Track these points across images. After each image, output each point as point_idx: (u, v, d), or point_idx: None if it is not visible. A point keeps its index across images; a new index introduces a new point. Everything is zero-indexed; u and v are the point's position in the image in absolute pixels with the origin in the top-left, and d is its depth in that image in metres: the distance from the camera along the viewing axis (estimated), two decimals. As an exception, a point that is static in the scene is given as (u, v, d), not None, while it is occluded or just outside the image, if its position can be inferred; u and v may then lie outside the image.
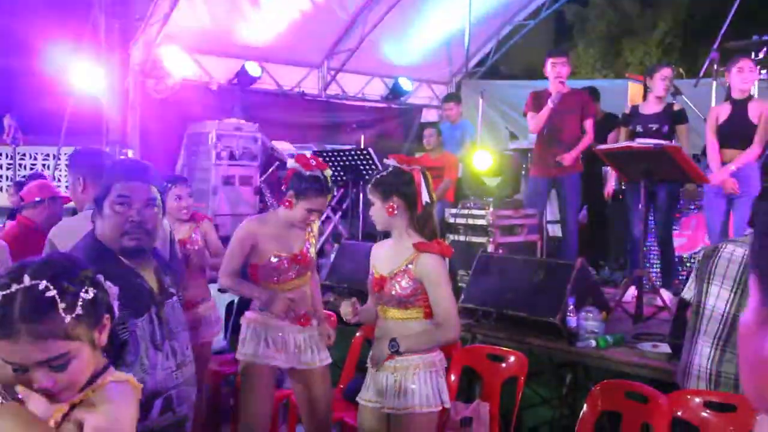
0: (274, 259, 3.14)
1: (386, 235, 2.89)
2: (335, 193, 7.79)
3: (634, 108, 5.18)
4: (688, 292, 3.03)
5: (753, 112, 4.51)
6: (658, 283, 4.98)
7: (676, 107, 4.99)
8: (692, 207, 5.49)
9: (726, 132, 4.59)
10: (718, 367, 2.79)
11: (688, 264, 5.49)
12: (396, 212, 2.69)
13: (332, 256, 5.58)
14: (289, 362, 3.20)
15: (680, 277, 5.41)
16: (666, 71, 5.02)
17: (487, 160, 5.33)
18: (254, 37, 7.92)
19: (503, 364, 3.48)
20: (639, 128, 4.97)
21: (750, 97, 4.55)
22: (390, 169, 2.74)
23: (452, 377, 3.55)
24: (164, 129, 7.19)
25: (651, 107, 5.04)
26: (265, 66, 8.14)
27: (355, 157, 6.22)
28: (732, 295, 2.79)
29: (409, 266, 2.66)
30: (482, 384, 3.61)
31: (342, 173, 6.45)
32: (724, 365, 2.78)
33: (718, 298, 2.83)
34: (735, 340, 2.77)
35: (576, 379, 4.57)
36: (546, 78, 5.53)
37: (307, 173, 3.10)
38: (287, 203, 3.12)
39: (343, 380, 4.16)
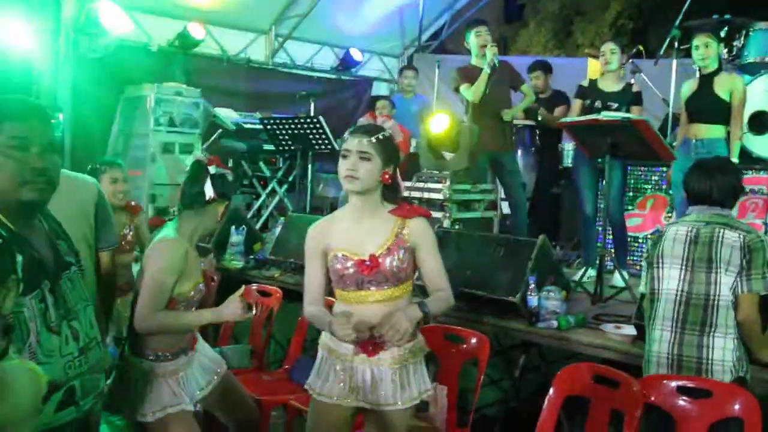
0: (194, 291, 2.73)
1: (332, 210, 2.60)
2: (280, 165, 7.48)
3: (593, 82, 5.06)
4: (642, 285, 2.97)
5: (719, 85, 4.42)
6: (614, 263, 4.87)
7: (635, 88, 4.92)
8: (650, 186, 5.40)
9: (692, 106, 4.49)
10: (678, 350, 2.69)
11: (642, 242, 5.41)
12: (389, 180, 2.37)
13: (278, 230, 5.31)
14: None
15: (635, 257, 5.34)
16: (607, 46, 4.99)
17: (443, 122, 5.07)
18: (198, -3, 7.49)
19: (463, 346, 3.29)
20: (598, 104, 4.84)
21: (717, 71, 4.45)
22: (388, 132, 2.42)
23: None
24: (99, 91, 6.71)
25: (610, 84, 4.93)
26: (209, 29, 7.70)
27: (305, 126, 5.91)
28: (682, 272, 2.74)
29: (400, 235, 2.37)
30: (439, 366, 3.41)
31: (290, 142, 6.13)
32: (684, 348, 2.68)
33: (670, 279, 2.77)
34: (693, 319, 2.68)
35: (529, 361, 4.44)
36: None
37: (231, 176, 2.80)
38: (220, 214, 2.78)
39: (288, 360, 3.92)
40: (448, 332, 3.39)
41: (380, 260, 2.34)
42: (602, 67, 4.98)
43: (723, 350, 2.65)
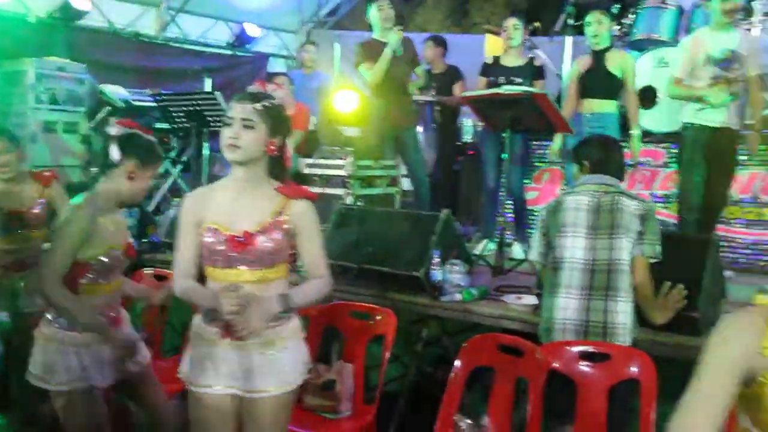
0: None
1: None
2: (173, 144, 7.17)
3: (496, 59, 5.11)
4: (534, 253, 3.02)
5: (611, 61, 4.54)
6: (513, 236, 4.97)
7: (537, 62, 5.00)
8: (545, 160, 5.52)
9: (586, 82, 4.59)
10: (586, 316, 2.75)
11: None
12: (275, 152, 2.24)
13: (172, 212, 5.08)
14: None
15: (533, 229, 5.46)
16: (506, 21, 5.08)
17: (351, 98, 4.98)
18: (81, -34, 7.02)
19: (370, 322, 3.25)
20: (501, 80, 4.89)
21: (608, 48, 4.57)
22: (278, 101, 2.27)
23: (312, 338, 3.27)
24: (-30, 66, 6.20)
25: (513, 60, 5.00)
26: (94, 0, 7.25)
27: (201, 102, 5.66)
28: (587, 241, 2.80)
29: (281, 216, 2.23)
30: (345, 344, 3.36)
31: (184, 119, 5.86)
32: (591, 314, 2.75)
33: (574, 249, 2.82)
34: (598, 284, 2.75)
35: (429, 334, 4.47)
36: None
37: (146, 136, 2.63)
38: (131, 175, 2.58)
39: (185, 347, 3.75)
40: (353, 309, 3.34)
41: (254, 239, 2.20)
42: (505, 42, 5.04)
43: (625, 314, 2.74)
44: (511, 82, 4.80)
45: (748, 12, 5.04)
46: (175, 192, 6.80)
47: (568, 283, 2.82)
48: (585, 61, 4.68)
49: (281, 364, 2.26)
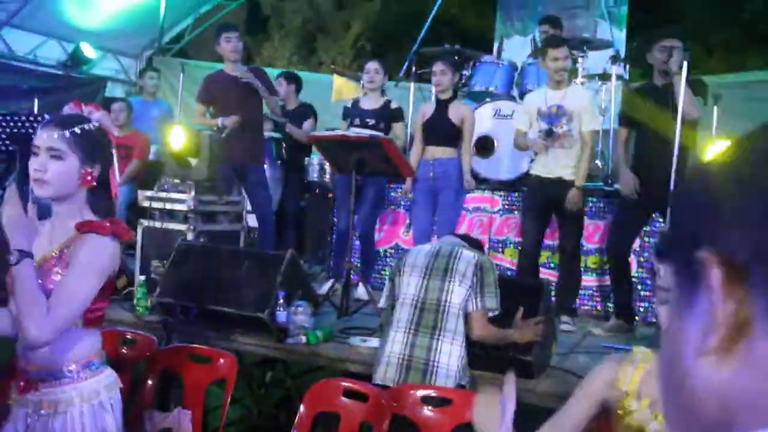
0: None
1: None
2: (-6, 168, 6.56)
3: (355, 101, 5.21)
4: (383, 300, 3.12)
5: (452, 112, 4.75)
6: (358, 276, 5.02)
7: (393, 105, 5.11)
8: (394, 205, 5.65)
9: (429, 130, 4.78)
10: (410, 351, 2.83)
11: (387, 258, 5.64)
12: (94, 183, 1.98)
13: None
14: None
15: (379, 271, 5.55)
16: (369, 65, 5.16)
17: (180, 137, 4.83)
18: None
19: (210, 366, 3.11)
20: (357, 121, 4.98)
21: (451, 99, 4.78)
22: (96, 124, 2.00)
23: (149, 383, 3.08)
24: None
25: (370, 103, 5.09)
26: None
27: (27, 124, 5.24)
28: (421, 280, 2.91)
29: (66, 250, 1.95)
30: (184, 389, 3.20)
31: (7, 142, 5.39)
32: (416, 349, 2.83)
33: (409, 286, 2.93)
34: (426, 321, 2.85)
35: (274, 377, 4.39)
36: None
37: None
38: None
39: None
40: (192, 352, 3.19)
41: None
42: (366, 85, 5.11)
43: (449, 355, 2.82)
44: (365, 124, 4.89)
45: (572, 72, 5.53)
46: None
47: (398, 318, 2.90)
48: (428, 109, 4.88)
49: (75, 426, 1.95)
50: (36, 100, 6.24)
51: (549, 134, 4.38)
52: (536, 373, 3.05)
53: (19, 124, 5.27)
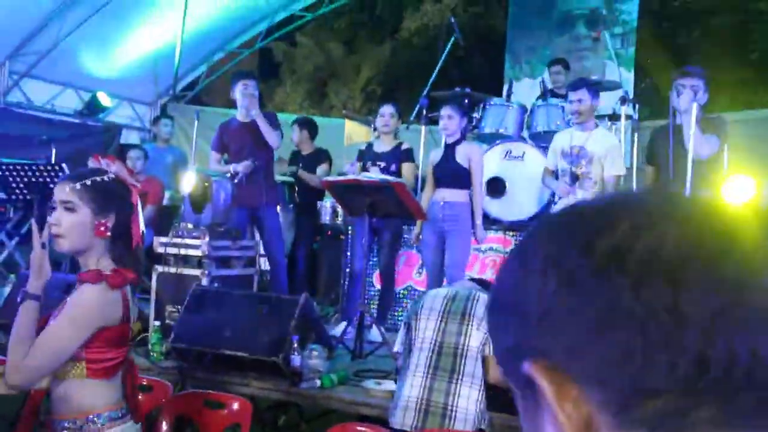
0: None
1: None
2: (11, 215, 6.66)
3: (369, 145, 5.27)
4: (398, 344, 3.09)
5: (460, 154, 4.80)
6: (372, 319, 5.00)
7: (404, 146, 5.15)
8: (406, 246, 5.67)
9: (438, 172, 4.82)
10: (428, 395, 2.80)
11: (401, 299, 5.64)
12: (108, 233, 1.99)
13: (6, 289, 4.67)
14: None
15: (394, 313, 5.54)
16: (384, 109, 5.23)
17: (191, 180, 4.93)
18: None
19: (224, 411, 3.11)
20: (369, 164, 5.02)
21: (459, 141, 4.83)
22: (111, 175, 2.05)
23: (164, 427, 3.07)
24: None
25: (383, 146, 5.16)
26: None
27: (45, 173, 5.34)
28: (438, 323, 2.88)
29: (67, 300, 1.99)
30: (198, 435, 3.19)
31: (25, 191, 5.49)
32: (434, 393, 2.80)
33: (426, 330, 2.90)
34: (444, 365, 2.82)
35: (288, 421, 4.36)
36: None
37: None
38: None
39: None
40: (207, 398, 3.19)
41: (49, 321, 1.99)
42: (380, 128, 5.18)
43: (468, 399, 2.79)
44: (377, 167, 4.94)
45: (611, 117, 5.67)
46: (10, 266, 6.27)
47: (416, 362, 2.87)
48: (438, 152, 4.94)
49: None
50: (54, 149, 6.35)
51: (574, 179, 4.44)
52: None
53: (37, 173, 5.37)
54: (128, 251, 2.06)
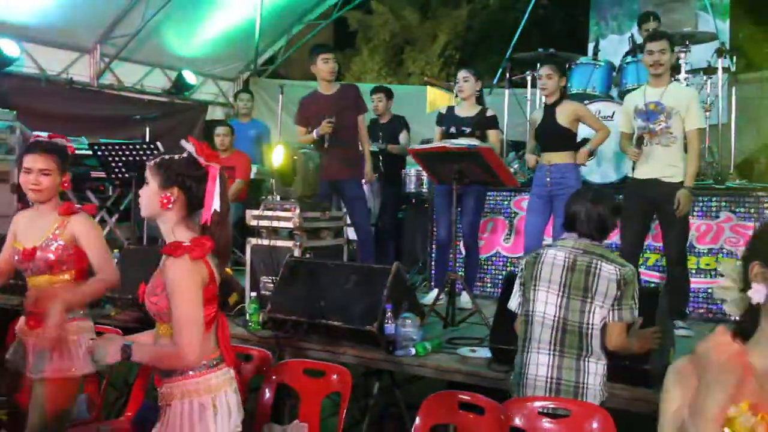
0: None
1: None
2: (110, 193, 6.97)
3: (450, 109, 5.18)
4: (513, 302, 2.96)
5: (561, 115, 4.68)
6: (462, 286, 4.99)
7: (489, 113, 5.03)
8: (493, 213, 5.61)
9: (541, 136, 4.75)
10: (558, 374, 2.74)
11: (488, 267, 5.60)
12: (170, 206, 2.19)
13: (111, 263, 4.90)
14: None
15: (481, 279, 5.52)
16: (458, 74, 5.15)
17: (279, 154, 4.99)
18: (12, 11, 6.84)
19: (324, 380, 3.18)
20: (452, 129, 4.96)
21: (558, 102, 4.70)
22: (185, 154, 2.22)
23: (266, 397, 3.18)
24: None
25: (465, 110, 5.06)
26: (25, 46, 7.06)
27: (141, 152, 5.54)
28: (558, 299, 2.77)
29: (160, 275, 2.20)
30: (299, 403, 3.28)
31: (123, 170, 5.72)
32: (563, 372, 2.74)
33: (546, 304, 2.79)
34: (570, 342, 2.75)
35: (382, 388, 4.42)
36: None
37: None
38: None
39: (130, 407, 3.59)
40: (307, 367, 3.27)
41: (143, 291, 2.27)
42: (458, 93, 5.11)
43: (595, 375, 2.74)
44: (461, 132, 4.87)
45: (675, 69, 5.32)
46: (110, 242, 6.57)
47: (538, 338, 2.79)
48: (538, 114, 4.83)
49: (174, 420, 2.19)
50: (147, 128, 6.57)
51: (640, 142, 4.24)
52: (655, 382, 2.94)
53: (134, 152, 5.58)
54: (220, 230, 2.23)
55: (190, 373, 2.19)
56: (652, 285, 4.67)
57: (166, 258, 2.16)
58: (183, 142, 2.26)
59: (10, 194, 6.20)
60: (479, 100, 5.11)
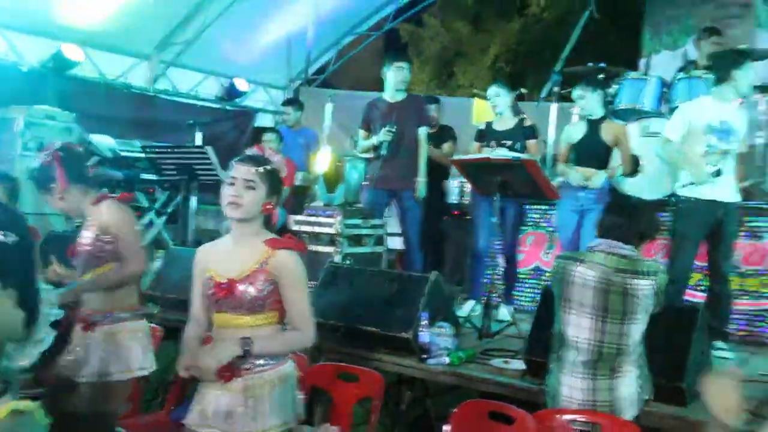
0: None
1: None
2: (158, 195, 7.15)
3: (488, 124, 5.16)
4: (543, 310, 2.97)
5: (605, 132, 4.64)
6: (500, 298, 4.98)
7: (527, 122, 5.01)
8: (534, 226, 5.58)
9: (580, 150, 4.70)
10: (593, 396, 2.72)
11: (527, 281, 5.57)
12: (271, 212, 2.44)
13: (156, 264, 5.05)
14: None
15: (518, 292, 5.49)
16: (490, 91, 5.14)
17: (325, 159, 5.09)
18: (76, 18, 7.10)
19: (357, 385, 3.22)
20: (492, 144, 4.94)
21: (603, 119, 4.67)
22: (276, 165, 2.44)
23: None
24: (-43, 112, 6.20)
25: (503, 123, 5.05)
26: (87, 51, 7.33)
27: (191, 156, 5.69)
28: (594, 323, 2.74)
29: (264, 265, 2.35)
30: (332, 406, 3.32)
31: (174, 172, 5.88)
32: (598, 393, 2.72)
33: (580, 328, 2.76)
34: (605, 366, 2.72)
35: (414, 397, 4.43)
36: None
37: None
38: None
39: (170, 400, 3.68)
40: (341, 371, 3.31)
41: (235, 287, 2.34)
42: (493, 110, 5.11)
43: (629, 386, 2.72)
44: (502, 146, 4.86)
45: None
46: (159, 243, 6.75)
47: (573, 361, 2.77)
48: (579, 128, 4.77)
49: (264, 408, 2.32)
50: (198, 133, 6.74)
51: (718, 175, 4.03)
52: (689, 400, 2.90)
53: (185, 156, 5.73)
54: (269, 226, 2.48)
55: (271, 364, 2.35)
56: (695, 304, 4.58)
57: (274, 251, 2.34)
58: (267, 152, 2.49)
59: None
60: (515, 108, 5.11)
